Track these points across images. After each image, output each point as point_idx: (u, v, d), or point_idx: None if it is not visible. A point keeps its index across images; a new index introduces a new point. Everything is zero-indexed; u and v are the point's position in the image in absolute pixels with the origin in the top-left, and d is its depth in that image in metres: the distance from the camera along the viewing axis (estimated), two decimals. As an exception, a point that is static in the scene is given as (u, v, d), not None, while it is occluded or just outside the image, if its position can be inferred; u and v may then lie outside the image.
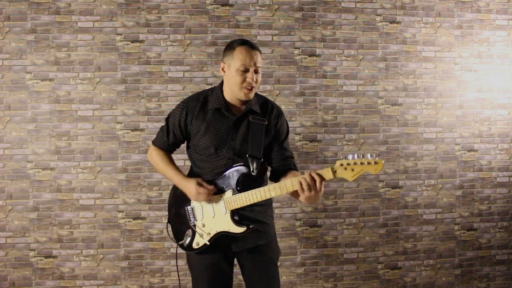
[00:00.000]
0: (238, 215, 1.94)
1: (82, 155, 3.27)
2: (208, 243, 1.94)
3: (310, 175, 1.75)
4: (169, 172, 2.03)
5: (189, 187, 1.93)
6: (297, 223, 3.43)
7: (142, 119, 3.31)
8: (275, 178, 2.06)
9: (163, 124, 2.08)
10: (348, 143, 3.48)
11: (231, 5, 3.37)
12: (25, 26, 3.22)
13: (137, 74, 3.31)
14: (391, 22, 3.51)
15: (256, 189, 1.88)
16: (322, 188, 1.76)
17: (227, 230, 1.93)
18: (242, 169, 1.92)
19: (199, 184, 1.91)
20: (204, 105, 1.98)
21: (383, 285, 3.52)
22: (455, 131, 3.58)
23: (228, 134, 1.95)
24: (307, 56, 3.43)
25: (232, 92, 1.94)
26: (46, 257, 3.25)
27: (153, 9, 3.31)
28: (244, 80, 1.87)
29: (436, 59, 3.56)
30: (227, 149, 1.96)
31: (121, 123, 3.30)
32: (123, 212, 3.30)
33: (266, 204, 2.06)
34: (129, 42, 3.30)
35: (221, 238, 1.95)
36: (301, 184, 1.75)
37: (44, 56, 3.24)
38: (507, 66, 3.63)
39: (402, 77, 3.53)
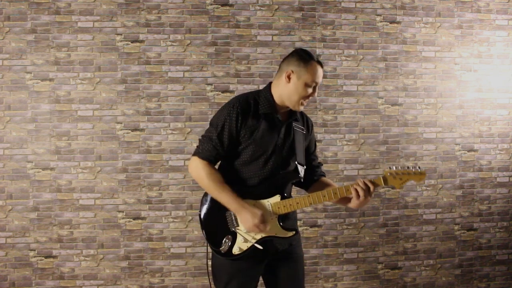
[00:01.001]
0: (283, 220, 1.93)
1: (82, 155, 3.27)
2: (260, 247, 1.88)
3: (365, 183, 1.86)
4: (224, 196, 1.86)
5: (252, 218, 1.83)
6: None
7: (142, 119, 3.31)
8: (306, 184, 2.09)
9: (209, 133, 1.89)
10: (348, 143, 3.48)
11: (231, 5, 3.37)
12: (25, 26, 3.22)
13: (137, 74, 3.31)
14: (391, 22, 3.51)
15: (306, 195, 1.91)
16: (371, 195, 1.89)
17: (274, 234, 1.90)
18: (293, 175, 1.95)
19: (262, 221, 1.84)
20: (256, 109, 1.90)
21: (383, 285, 3.52)
22: (455, 131, 3.58)
23: (277, 140, 1.93)
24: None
25: (287, 101, 1.92)
26: (46, 257, 3.25)
27: (153, 9, 3.31)
28: (306, 95, 1.90)
29: (436, 59, 3.56)
30: (276, 155, 1.92)
31: (121, 123, 3.30)
32: (123, 212, 3.30)
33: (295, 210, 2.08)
34: (129, 42, 3.30)
35: (265, 242, 1.90)
36: (357, 191, 1.86)
37: (44, 56, 3.24)
38: (507, 66, 3.63)
39: (402, 77, 3.53)
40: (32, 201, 3.24)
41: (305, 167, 2.00)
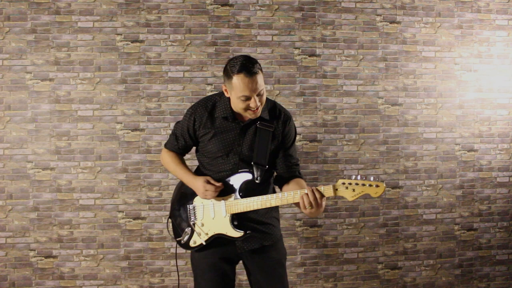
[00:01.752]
0: (238, 219, 1.96)
1: (82, 155, 3.27)
2: (204, 243, 1.97)
3: (312, 191, 1.78)
4: (179, 171, 2.06)
5: (197, 184, 1.96)
6: (297, 223, 3.43)
7: (142, 119, 3.31)
8: (279, 184, 2.08)
9: (174, 129, 2.12)
10: (348, 143, 3.48)
11: (231, 5, 3.37)
12: (25, 26, 3.22)
13: (137, 74, 3.31)
14: (391, 22, 3.51)
15: (257, 197, 1.90)
16: (323, 204, 1.79)
17: (224, 233, 1.95)
18: (246, 175, 1.95)
19: (208, 182, 1.94)
20: (212, 112, 1.98)
21: (383, 285, 3.52)
22: (455, 131, 3.58)
23: (235, 141, 1.97)
24: (307, 56, 3.43)
25: (237, 111, 1.93)
26: (46, 257, 3.25)
27: (153, 9, 3.31)
28: (247, 106, 1.85)
29: (436, 59, 3.56)
30: (233, 154, 1.97)
31: (121, 123, 3.30)
32: (123, 212, 3.30)
33: (275, 206, 2.06)
34: (129, 42, 3.30)
35: (221, 239, 1.96)
36: (303, 199, 1.79)
37: (44, 56, 3.24)
38: (507, 66, 3.63)
39: (402, 77, 3.53)
40: (32, 201, 3.24)
41: (266, 167, 1.95)
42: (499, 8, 3.60)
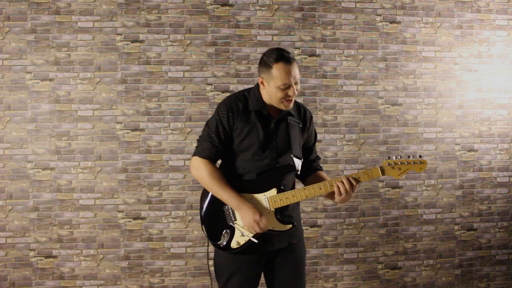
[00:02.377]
0: (281, 213, 1.95)
1: (82, 155, 3.27)
2: (255, 241, 1.90)
3: (347, 179, 1.86)
4: (225, 195, 1.91)
5: (251, 214, 1.86)
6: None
7: (142, 119, 3.31)
8: (302, 176, 2.11)
9: (205, 132, 1.96)
10: (348, 143, 3.48)
11: (231, 5, 3.37)
12: (25, 26, 3.22)
13: (137, 74, 3.31)
14: (391, 22, 3.51)
15: (299, 188, 1.91)
16: (355, 191, 1.89)
17: (271, 227, 1.92)
18: (288, 168, 1.96)
19: (260, 216, 1.86)
20: (246, 106, 1.96)
21: (383, 285, 3.52)
22: (455, 131, 3.58)
23: (270, 135, 1.96)
24: (307, 56, 3.43)
25: (271, 102, 1.93)
26: (46, 257, 3.25)
27: (153, 9, 3.31)
28: (285, 95, 1.87)
29: (436, 59, 3.56)
30: (270, 149, 1.96)
31: (121, 123, 3.30)
32: (123, 212, 3.30)
33: (297, 203, 2.07)
34: (129, 42, 3.30)
35: (260, 237, 1.92)
36: (338, 187, 1.87)
37: (44, 56, 3.24)
38: (507, 66, 3.63)
39: (402, 77, 3.53)
40: (32, 201, 3.24)
41: (302, 160, 2.00)
42: (499, 8, 3.60)
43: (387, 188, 3.51)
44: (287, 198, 1.91)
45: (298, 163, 1.98)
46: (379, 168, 1.88)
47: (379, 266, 3.52)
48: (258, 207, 1.90)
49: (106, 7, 3.28)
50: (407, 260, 3.55)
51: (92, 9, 3.27)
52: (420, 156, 1.88)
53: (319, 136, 3.42)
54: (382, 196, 3.51)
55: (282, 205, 1.92)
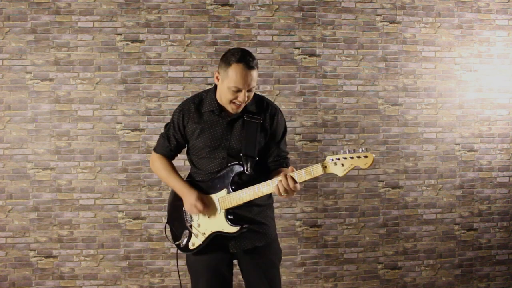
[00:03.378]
0: (233, 214, 1.94)
1: (82, 155, 3.27)
2: (202, 244, 1.95)
3: (285, 177, 1.79)
4: (171, 180, 2.04)
5: (189, 197, 1.94)
6: (297, 223, 3.43)
7: (142, 119, 3.31)
8: (267, 174, 2.07)
9: (163, 131, 2.10)
10: (348, 143, 3.48)
11: (231, 5, 3.37)
12: (25, 26, 3.22)
13: (137, 74, 3.31)
14: (391, 22, 3.51)
15: (247, 188, 1.88)
16: (298, 187, 1.80)
17: (221, 230, 1.93)
18: (236, 168, 1.93)
19: (199, 199, 1.92)
20: (199, 107, 1.99)
21: (383, 285, 3.52)
22: (455, 131, 3.58)
23: (223, 135, 1.96)
24: (307, 56, 3.43)
25: (221, 102, 1.95)
26: (46, 257, 3.25)
27: (153, 9, 3.31)
28: (234, 98, 1.86)
29: (436, 59, 3.56)
30: (221, 149, 1.96)
31: (121, 123, 3.30)
32: (123, 212, 3.30)
33: (266, 205, 2.06)
34: (129, 42, 3.30)
35: (217, 239, 1.94)
36: (277, 186, 1.82)
37: (44, 56, 3.24)
38: (507, 66, 3.63)
39: (402, 77, 3.53)
40: (32, 201, 3.24)
41: (256, 158, 1.93)
42: (499, 8, 3.60)
43: (387, 188, 3.51)
44: (235, 198, 1.91)
45: (249, 162, 1.92)
46: (320, 165, 1.73)
47: (379, 266, 3.52)
48: (210, 206, 1.94)
49: (106, 7, 3.28)
50: (407, 260, 3.55)
51: (92, 9, 3.27)
52: (366, 150, 1.68)
53: (319, 136, 3.43)
54: (382, 196, 3.51)
55: (232, 205, 1.91)
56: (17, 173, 3.23)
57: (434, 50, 3.55)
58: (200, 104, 2.00)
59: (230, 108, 1.90)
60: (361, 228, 3.50)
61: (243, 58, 1.82)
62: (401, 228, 3.53)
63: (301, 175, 1.78)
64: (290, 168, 1.83)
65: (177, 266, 2.20)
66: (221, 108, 1.96)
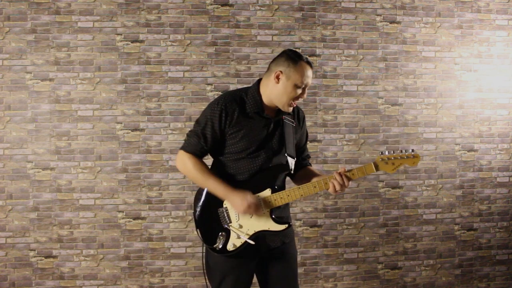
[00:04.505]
0: (276, 213, 1.94)
1: (82, 155, 3.27)
2: (252, 242, 1.89)
3: (340, 175, 1.87)
4: (211, 182, 1.90)
5: (241, 198, 1.85)
6: (297, 223, 3.43)
7: (142, 119, 3.31)
8: (291, 175, 2.11)
9: (194, 128, 1.94)
10: (348, 143, 3.48)
11: (231, 5, 3.37)
12: (25, 26, 3.22)
13: (137, 74, 3.31)
14: (391, 22, 3.51)
15: (294, 187, 1.90)
16: (348, 185, 1.91)
17: (267, 228, 1.91)
18: (283, 167, 1.95)
19: (253, 199, 1.86)
20: (243, 108, 1.92)
21: (383, 285, 3.52)
22: (455, 131, 3.58)
23: (266, 135, 1.95)
24: (307, 56, 3.43)
25: (276, 101, 1.91)
26: (46, 257, 3.25)
27: (153, 9, 3.31)
28: (295, 95, 1.88)
29: (436, 59, 3.56)
30: (266, 149, 1.95)
31: (121, 123, 3.30)
32: (123, 212, 3.30)
33: (287, 202, 2.07)
34: (129, 42, 3.30)
35: (256, 238, 1.91)
36: (333, 184, 1.87)
37: (44, 56, 3.24)
38: (507, 66, 3.63)
39: (402, 77, 3.53)
40: (32, 201, 3.24)
41: (295, 159, 2.00)
42: (499, 8, 3.60)
43: (387, 188, 3.51)
44: (282, 198, 1.90)
45: (291, 162, 1.97)
46: (372, 164, 1.89)
47: (379, 266, 3.52)
48: (248, 192, 1.89)
49: (106, 7, 3.28)
50: (407, 260, 3.55)
51: (92, 9, 3.27)
52: (412, 150, 1.89)
53: (319, 136, 3.43)
54: (382, 196, 3.51)
55: (277, 205, 1.91)
56: (17, 173, 3.23)
57: (434, 50, 3.55)
58: (243, 105, 1.92)
59: (287, 107, 1.91)
60: (361, 228, 3.50)
61: (307, 59, 1.92)
62: (401, 228, 3.53)
63: (355, 173, 1.90)
64: (341, 168, 1.92)
65: (204, 269, 2.06)
66: (264, 110, 1.95)
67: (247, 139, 1.91)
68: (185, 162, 1.94)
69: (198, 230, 1.99)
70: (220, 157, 1.98)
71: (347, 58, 3.47)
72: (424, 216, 3.55)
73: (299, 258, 3.42)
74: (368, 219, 3.50)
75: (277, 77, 1.88)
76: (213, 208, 1.96)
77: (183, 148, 1.96)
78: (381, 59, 3.50)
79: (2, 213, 3.23)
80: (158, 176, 3.31)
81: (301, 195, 1.91)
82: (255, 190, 1.92)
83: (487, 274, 3.64)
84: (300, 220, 3.43)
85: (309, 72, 1.89)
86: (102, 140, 3.28)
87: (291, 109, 1.93)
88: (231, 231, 1.92)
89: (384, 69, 3.50)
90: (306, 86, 1.90)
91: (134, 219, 3.31)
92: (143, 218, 3.31)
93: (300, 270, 3.44)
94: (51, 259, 3.25)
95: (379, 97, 3.51)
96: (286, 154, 1.96)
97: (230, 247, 1.92)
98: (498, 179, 3.63)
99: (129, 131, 3.30)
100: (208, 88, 3.35)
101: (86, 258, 3.27)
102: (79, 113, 3.27)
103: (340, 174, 1.87)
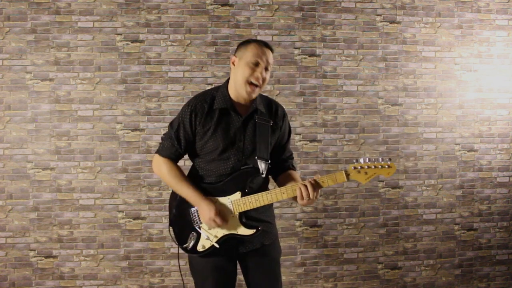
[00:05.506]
0: (247, 217, 1.92)
1: (82, 155, 3.27)
2: (217, 246, 1.90)
3: (310, 182, 1.79)
4: (183, 188, 1.92)
5: (207, 211, 1.86)
6: (297, 223, 3.43)
7: (142, 119, 3.31)
8: (273, 175, 2.07)
9: (168, 131, 1.96)
10: (348, 143, 3.48)
11: (231, 5, 3.37)
12: (25, 26, 3.22)
13: (137, 74, 3.31)
14: (391, 22, 3.51)
15: (264, 192, 1.87)
16: (318, 195, 1.82)
17: (235, 232, 1.90)
18: (252, 171, 1.91)
19: (217, 213, 1.85)
20: (211, 106, 1.91)
21: (383, 285, 3.52)
22: (455, 131, 3.58)
23: (236, 135, 1.91)
24: (307, 56, 3.43)
25: (238, 88, 1.88)
26: (46, 257, 3.25)
27: (153, 9, 3.31)
28: (252, 74, 1.84)
29: (436, 59, 3.56)
30: (235, 150, 1.91)
31: (121, 123, 3.30)
32: (123, 212, 3.30)
33: (269, 204, 2.05)
34: (129, 42, 3.30)
35: (228, 240, 1.91)
36: (300, 191, 1.80)
37: (44, 56, 3.24)
38: (507, 66, 3.63)
39: (402, 77, 3.53)
40: (32, 201, 3.24)
41: (268, 161, 1.93)
42: (499, 8, 3.60)
43: (387, 188, 3.51)
44: (251, 202, 1.88)
45: (263, 165, 1.91)
46: (343, 172, 1.79)
47: (379, 266, 3.52)
48: (222, 209, 1.89)
49: (106, 7, 3.28)
50: (407, 260, 3.55)
51: (92, 9, 3.27)
52: (389, 160, 1.77)
53: (319, 136, 3.43)
54: (382, 196, 3.51)
55: (246, 209, 1.89)
56: (17, 173, 3.23)
57: (434, 50, 3.55)
58: (212, 102, 1.91)
59: (246, 91, 1.85)
60: (361, 228, 3.50)
61: (262, 41, 1.91)
62: (401, 228, 3.53)
63: (325, 181, 1.81)
64: (315, 176, 1.85)
65: (179, 266, 2.15)
66: (234, 106, 1.91)
67: (215, 137, 1.89)
68: (160, 166, 1.96)
69: (170, 228, 2.02)
70: (194, 159, 1.99)
71: (347, 58, 3.47)
72: (424, 216, 3.55)
73: (299, 258, 3.43)
74: (368, 219, 3.50)
75: (233, 63, 1.90)
76: (186, 208, 1.96)
77: (158, 152, 1.97)
78: (381, 59, 3.50)
79: (2, 213, 3.23)
80: (158, 176, 3.30)
81: (269, 201, 1.87)
82: (226, 192, 1.91)
83: (487, 274, 3.64)
84: (300, 220, 3.43)
85: (261, 51, 1.85)
86: (102, 140, 3.29)
87: (253, 94, 1.87)
88: (201, 232, 1.93)
89: (384, 69, 3.51)
90: (259, 65, 1.84)
91: (134, 219, 3.31)
92: (143, 218, 3.31)
93: (300, 270, 3.44)
94: (51, 259, 3.25)
95: (379, 97, 3.51)
96: (256, 157, 1.91)
97: (199, 247, 1.94)
98: (498, 179, 3.63)
99: (129, 131, 3.30)
100: (208, 88, 3.35)
101: (86, 258, 3.27)
102: (79, 113, 3.27)
103: (309, 181, 1.80)
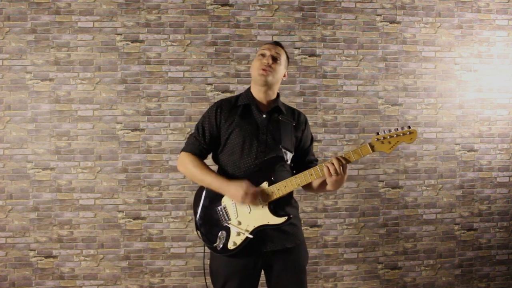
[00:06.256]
0: (276, 206, 1.91)
1: (82, 155, 3.27)
2: (251, 236, 1.87)
3: (337, 158, 1.82)
4: (208, 178, 1.92)
5: (238, 188, 1.85)
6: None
7: (142, 119, 3.31)
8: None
9: (195, 130, 2.03)
10: (348, 143, 3.48)
11: (231, 5, 3.37)
12: (25, 26, 3.22)
13: (137, 74, 3.31)
14: (391, 22, 3.51)
15: (291, 177, 1.88)
16: (346, 171, 1.84)
17: (266, 223, 1.89)
18: (277, 159, 1.94)
19: (250, 185, 1.85)
20: (235, 104, 2.02)
21: (383, 285, 3.52)
22: (455, 131, 3.58)
23: (259, 129, 1.97)
24: (307, 56, 3.43)
25: (255, 83, 2.02)
26: (46, 257, 3.25)
27: (153, 9, 3.31)
28: (261, 63, 1.98)
29: (436, 59, 3.56)
30: (259, 143, 1.95)
31: (121, 123, 3.30)
32: (123, 212, 3.30)
33: (295, 206, 2.06)
34: (129, 42, 3.30)
35: (257, 233, 1.89)
36: (328, 168, 1.82)
37: (44, 56, 3.24)
38: (507, 66, 3.63)
39: (402, 77, 3.53)
40: (32, 201, 3.24)
41: (293, 153, 1.97)
42: (499, 8, 3.60)
43: (387, 188, 3.51)
44: (279, 189, 1.88)
45: (288, 155, 1.95)
46: (368, 145, 1.82)
47: (379, 266, 3.52)
48: (244, 180, 1.89)
49: (106, 7, 3.28)
50: (407, 260, 3.55)
51: (92, 9, 3.27)
52: (409, 127, 1.81)
53: (319, 136, 3.43)
54: (382, 196, 3.51)
55: (275, 197, 1.89)
56: (17, 173, 3.23)
57: (434, 50, 3.55)
58: (236, 101, 2.05)
59: (258, 75, 1.97)
60: (361, 228, 3.50)
61: (271, 41, 2.10)
62: (401, 228, 3.53)
63: (351, 156, 1.84)
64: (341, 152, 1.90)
65: (204, 271, 2.08)
66: (256, 103, 2.02)
67: (238, 132, 1.94)
68: (183, 160, 1.99)
69: (198, 231, 2.00)
70: (219, 156, 2.02)
71: (347, 58, 3.47)
72: (424, 216, 3.55)
73: (299, 258, 3.42)
74: (368, 219, 3.50)
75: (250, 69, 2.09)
76: (212, 208, 1.96)
77: (183, 149, 2.03)
78: (381, 59, 3.50)
79: (2, 213, 3.23)
80: (158, 176, 3.31)
81: (298, 184, 1.88)
82: (253, 184, 1.90)
83: (487, 274, 3.64)
84: (300, 221, 3.43)
85: (267, 45, 2.05)
86: (102, 140, 3.29)
87: (268, 78, 1.98)
88: (231, 229, 1.92)
89: (384, 69, 3.50)
90: (265, 55, 2.01)
91: (134, 219, 3.31)
92: (143, 218, 3.31)
93: (300, 270, 3.43)
94: (51, 259, 3.25)
95: (379, 97, 3.51)
96: (281, 147, 1.94)
97: (230, 245, 1.91)
98: (498, 179, 3.63)
99: (129, 131, 3.30)
100: (208, 88, 3.35)
101: (86, 258, 3.27)
102: (79, 113, 3.27)
103: (336, 157, 1.83)
